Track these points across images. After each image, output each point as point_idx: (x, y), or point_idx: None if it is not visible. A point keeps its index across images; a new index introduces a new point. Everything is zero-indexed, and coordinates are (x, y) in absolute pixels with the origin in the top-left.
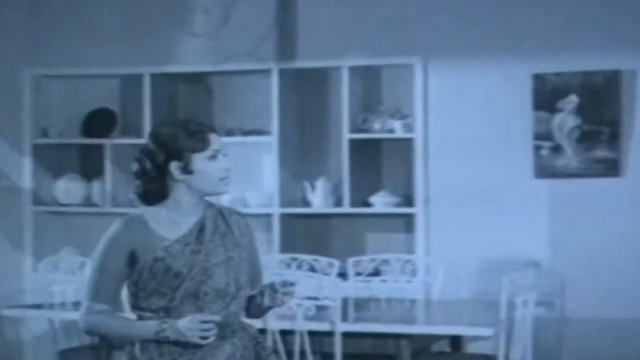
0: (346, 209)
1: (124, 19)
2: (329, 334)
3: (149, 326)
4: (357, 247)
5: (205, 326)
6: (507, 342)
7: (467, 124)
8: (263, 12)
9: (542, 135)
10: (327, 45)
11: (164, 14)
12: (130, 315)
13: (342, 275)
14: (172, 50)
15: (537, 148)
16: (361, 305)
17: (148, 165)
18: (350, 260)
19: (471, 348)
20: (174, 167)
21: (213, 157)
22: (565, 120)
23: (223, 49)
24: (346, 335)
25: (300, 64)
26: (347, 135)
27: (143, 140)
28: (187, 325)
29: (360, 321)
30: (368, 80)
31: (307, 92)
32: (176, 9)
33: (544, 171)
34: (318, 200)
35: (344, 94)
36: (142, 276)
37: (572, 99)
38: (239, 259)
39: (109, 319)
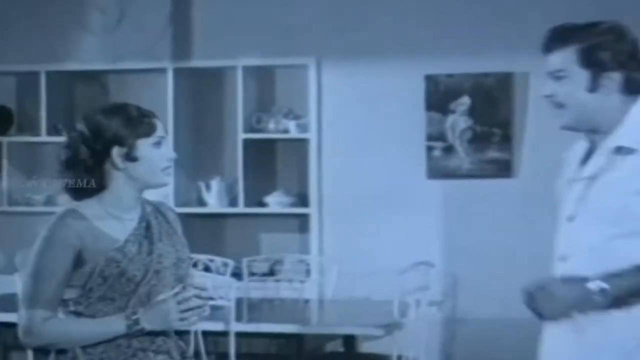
0: (241, 208)
1: (19, 16)
2: (224, 334)
3: (118, 323)
4: (252, 247)
5: (186, 306)
6: (400, 342)
7: (361, 124)
8: (158, 11)
9: (435, 136)
10: (222, 45)
11: (60, 12)
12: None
13: (237, 275)
14: (68, 48)
15: (430, 149)
16: (255, 305)
17: (84, 153)
18: (245, 260)
19: (364, 348)
20: (115, 153)
21: (158, 144)
22: (458, 121)
23: (119, 47)
24: (240, 335)
25: (195, 63)
26: (241, 135)
27: (40, 139)
28: (169, 309)
29: (254, 321)
30: (262, 80)
31: (202, 92)
32: (72, 7)
33: (436, 172)
34: (213, 200)
35: (239, 93)
36: (90, 280)
37: (464, 101)
38: (187, 261)
39: (68, 323)
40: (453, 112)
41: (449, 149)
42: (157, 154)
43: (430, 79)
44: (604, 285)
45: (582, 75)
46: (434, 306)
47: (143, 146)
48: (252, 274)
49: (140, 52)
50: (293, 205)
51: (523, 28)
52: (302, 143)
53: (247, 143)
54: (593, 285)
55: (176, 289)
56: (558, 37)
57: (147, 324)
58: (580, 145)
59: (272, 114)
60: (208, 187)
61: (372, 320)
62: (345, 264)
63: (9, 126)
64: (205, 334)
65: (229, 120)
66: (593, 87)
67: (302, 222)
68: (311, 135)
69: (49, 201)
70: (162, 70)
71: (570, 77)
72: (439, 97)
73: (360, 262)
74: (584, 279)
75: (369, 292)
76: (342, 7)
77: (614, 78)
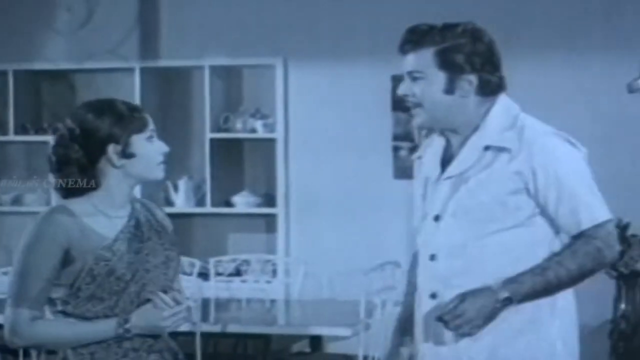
0: (208, 208)
1: None
2: (190, 334)
3: (108, 326)
4: (219, 247)
5: (175, 310)
6: (367, 342)
7: (328, 124)
8: (125, 10)
9: (402, 136)
10: (190, 44)
11: (27, 11)
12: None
13: (203, 275)
14: (35, 47)
15: (397, 149)
16: (222, 305)
17: (76, 152)
18: (212, 260)
19: (331, 348)
20: (112, 151)
21: (151, 138)
22: None
23: (86, 46)
24: (206, 335)
25: (162, 62)
26: (209, 135)
27: (8, 138)
28: (160, 315)
29: (220, 322)
30: (229, 80)
31: (169, 91)
32: (39, 6)
33: (403, 172)
34: (180, 200)
35: (206, 93)
36: (79, 279)
37: None
38: (176, 260)
39: (57, 325)
40: None
41: (415, 149)
42: (151, 149)
43: (396, 79)
44: (507, 294)
45: (439, 77)
46: (400, 306)
47: (137, 142)
48: (218, 274)
49: (107, 52)
50: (260, 205)
51: (489, 26)
52: (269, 143)
53: (214, 143)
54: (497, 296)
55: (168, 294)
56: (414, 38)
57: (136, 329)
58: (437, 143)
59: (239, 113)
60: (175, 187)
61: (339, 321)
62: (311, 264)
63: None
64: (172, 334)
65: (196, 119)
66: (449, 89)
67: (269, 222)
68: (278, 135)
69: (17, 201)
70: (130, 70)
71: (426, 78)
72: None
73: (327, 262)
74: (487, 290)
75: (335, 292)
76: (309, 7)
77: (471, 80)
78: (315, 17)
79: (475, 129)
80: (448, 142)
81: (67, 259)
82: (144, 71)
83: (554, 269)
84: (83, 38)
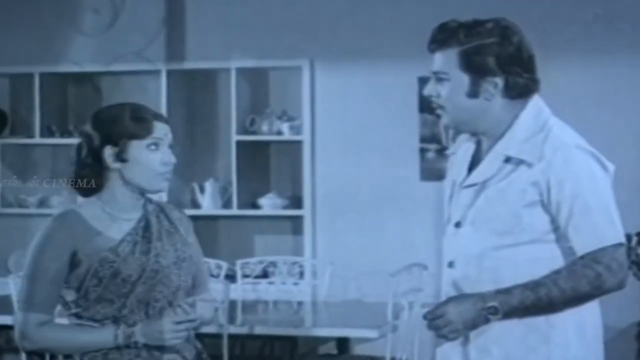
0: (234, 210)
1: (13, 17)
2: (217, 337)
3: (110, 336)
4: (245, 249)
5: (181, 327)
6: (394, 344)
7: (355, 126)
8: (152, 12)
9: (428, 138)
10: (216, 46)
11: (53, 13)
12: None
13: (230, 277)
14: (61, 49)
15: (423, 151)
16: (249, 307)
17: (84, 149)
18: (239, 262)
19: (358, 350)
20: (107, 152)
21: (154, 146)
22: None
23: (112, 49)
24: (234, 337)
25: (188, 65)
26: (235, 137)
27: (34, 140)
28: (165, 328)
29: (247, 323)
30: (256, 82)
31: (195, 94)
32: (65, 8)
33: (430, 174)
34: (206, 202)
35: (232, 95)
36: (85, 282)
37: None
38: (189, 260)
39: (61, 331)
40: None
41: (442, 151)
42: (151, 158)
43: (423, 81)
44: (494, 303)
45: (462, 79)
46: (427, 308)
47: (135, 148)
48: (245, 276)
49: (133, 54)
50: (286, 207)
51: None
52: (296, 145)
53: (240, 145)
54: (484, 304)
55: (173, 317)
56: (441, 37)
57: (141, 338)
58: (468, 147)
59: (265, 115)
60: (202, 189)
61: (366, 322)
62: (338, 266)
63: (2, 128)
64: (198, 336)
65: (222, 122)
66: (473, 92)
67: (296, 224)
68: (304, 137)
69: (43, 203)
70: (156, 72)
71: (451, 80)
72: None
73: (354, 264)
74: (476, 296)
75: (362, 294)
76: (337, 9)
77: (496, 82)
78: (341, 18)
79: (502, 135)
80: (479, 144)
81: (74, 262)
82: (170, 73)
83: (548, 286)
84: (109, 40)
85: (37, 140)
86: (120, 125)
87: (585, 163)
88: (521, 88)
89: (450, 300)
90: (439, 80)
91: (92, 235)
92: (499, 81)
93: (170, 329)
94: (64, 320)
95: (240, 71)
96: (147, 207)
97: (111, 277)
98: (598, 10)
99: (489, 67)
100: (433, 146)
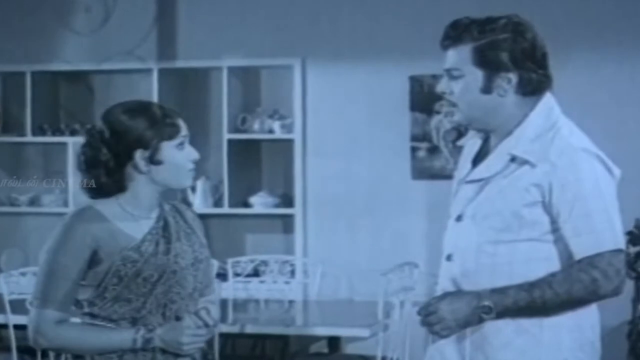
0: (225, 209)
1: (4, 16)
2: None
3: (129, 336)
4: (236, 247)
5: (200, 337)
6: (385, 343)
7: (346, 125)
8: (143, 11)
9: (420, 137)
10: (207, 45)
11: (45, 12)
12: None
13: (221, 275)
14: (53, 48)
15: (415, 149)
16: (240, 306)
17: (104, 154)
18: (230, 261)
19: (349, 349)
20: (139, 157)
21: (181, 144)
22: (442, 122)
23: (104, 47)
24: (225, 336)
25: (180, 63)
26: (226, 136)
27: (25, 139)
28: (185, 340)
29: (238, 322)
30: (247, 80)
31: (187, 92)
32: (57, 7)
33: (421, 172)
34: (198, 200)
35: (224, 94)
36: (105, 280)
37: None
38: (206, 262)
39: (79, 330)
40: (438, 112)
41: (433, 150)
42: (180, 156)
43: (414, 80)
44: (488, 302)
45: (476, 75)
46: (418, 307)
47: (167, 149)
48: (236, 274)
49: (125, 53)
50: (278, 205)
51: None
52: (287, 144)
53: (232, 143)
54: (478, 303)
55: (193, 324)
56: (454, 34)
57: (160, 343)
58: (474, 142)
59: (257, 114)
60: (193, 188)
61: (357, 321)
62: (329, 265)
63: None
64: None
65: (214, 120)
66: (487, 88)
67: (287, 223)
68: (296, 136)
69: (34, 202)
70: (148, 71)
71: (464, 76)
72: (423, 98)
73: (345, 262)
74: (471, 295)
75: (353, 293)
76: (328, 8)
77: (510, 78)
78: (333, 18)
79: (510, 133)
80: (486, 140)
81: (94, 260)
82: (161, 72)
83: (542, 288)
84: (101, 39)
85: (29, 138)
86: (149, 129)
87: (591, 166)
88: (535, 84)
89: (444, 297)
90: (453, 77)
91: (112, 233)
92: (513, 77)
93: (189, 340)
94: (76, 320)
95: (232, 70)
96: (163, 206)
97: (133, 276)
98: (609, 8)
99: (503, 62)
100: (424, 145)
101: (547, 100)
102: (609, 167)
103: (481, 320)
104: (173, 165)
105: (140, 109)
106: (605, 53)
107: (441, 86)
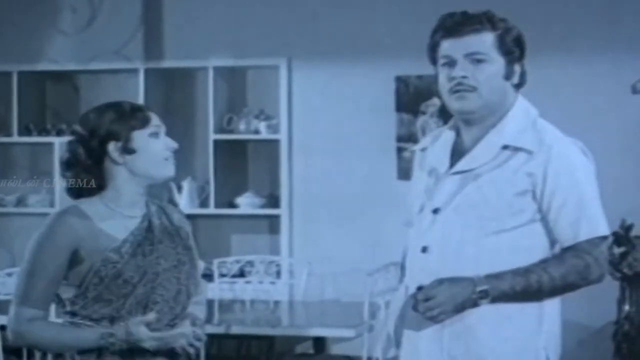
0: (211, 209)
1: None
2: None
3: (92, 335)
4: (222, 248)
5: (192, 349)
6: (370, 343)
7: (332, 125)
8: (130, 11)
9: (405, 137)
10: (193, 45)
11: (31, 11)
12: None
13: (207, 276)
14: (40, 48)
15: (400, 150)
16: (225, 306)
17: (81, 152)
18: (216, 261)
19: (335, 349)
20: (112, 148)
21: (155, 134)
22: (428, 122)
23: (90, 47)
24: (210, 336)
25: (166, 63)
26: (212, 136)
27: (12, 139)
28: (179, 335)
29: (224, 323)
30: (233, 81)
31: (173, 92)
32: (44, 7)
33: (407, 173)
34: (184, 201)
35: (210, 94)
36: (86, 280)
37: (435, 102)
38: (190, 264)
39: (47, 327)
40: (423, 113)
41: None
42: (155, 145)
43: (400, 80)
44: (485, 287)
45: (500, 62)
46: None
47: (139, 138)
48: (222, 275)
49: (111, 53)
50: (264, 206)
51: None
52: (273, 144)
53: (218, 144)
54: (475, 288)
55: (187, 328)
56: (476, 20)
57: (120, 342)
58: (446, 136)
59: (243, 114)
60: (179, 188)
61: (343, 322)
62: (315, 265)
63: None
64: None
65: (200, 120)
66: (508, 75)
67: (273, 223)
68: (282, 136)
69: (20, 202)
70: (134, 71)
71: (490, 61)
72: (409, 98)
73: (331, 263)
74: (467, 280)
75: (339, 293)
76: (313, 8)
77: (516, 69)
78: (319, 18)
79: (493, 125)
80: (458, 135)
81: (75, 260)
82: (148, 72)
83: (538, 273)
84: (87, 39)
85: (15, 138)
86: (121, 120)
87: (579, 157)
88: (524, 78)
89: (442, 282)
90: (478, 61)
91: (95, 233)
92: (518, 68)
93: (148, 337)
94: (59, 319)
95: (218, 70)
96: (150, 207)
97: (113, 277)
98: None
99: (517, 52)
100: (410, 145)
101: (522, 98)
102: (589, 157)
103: (476, 305)
104: (148, 153)
105: (109, 105)
106: (553, 54)
107: (459, 70)
